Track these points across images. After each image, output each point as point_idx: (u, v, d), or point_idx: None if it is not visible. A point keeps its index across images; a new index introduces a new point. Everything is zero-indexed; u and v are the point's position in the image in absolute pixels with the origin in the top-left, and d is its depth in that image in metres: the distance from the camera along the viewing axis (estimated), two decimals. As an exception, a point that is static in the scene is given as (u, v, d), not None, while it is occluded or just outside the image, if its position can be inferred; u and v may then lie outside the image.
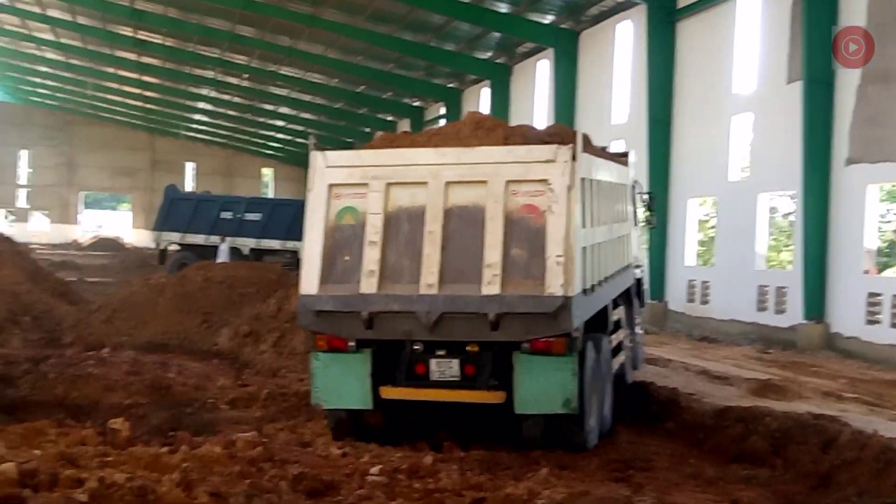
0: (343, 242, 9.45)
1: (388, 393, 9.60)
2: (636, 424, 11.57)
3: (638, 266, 14.54)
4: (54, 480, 6.74)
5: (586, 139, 10.87)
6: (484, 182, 9.24)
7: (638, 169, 26.92)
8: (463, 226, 9.23)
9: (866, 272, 19.59)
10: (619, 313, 12.23)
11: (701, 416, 11.31)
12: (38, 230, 68.39)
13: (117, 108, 66.49)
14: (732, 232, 24.26)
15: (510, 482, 8.23)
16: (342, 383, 9.63)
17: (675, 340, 21.68)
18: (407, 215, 9.37)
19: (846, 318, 19.71)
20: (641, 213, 15.08)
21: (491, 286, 9.02)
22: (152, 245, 34.30)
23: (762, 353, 19.30)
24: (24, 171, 72.06)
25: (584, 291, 9.54)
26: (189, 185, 68.13)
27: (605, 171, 11.12)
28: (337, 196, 9.52)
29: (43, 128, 71.08)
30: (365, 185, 9.46)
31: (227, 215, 31.55)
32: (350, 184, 9.53)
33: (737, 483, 9.00)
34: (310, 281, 9.42)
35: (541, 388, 9.30)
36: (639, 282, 14.51)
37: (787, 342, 20.72)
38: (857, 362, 18.13)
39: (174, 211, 31.96)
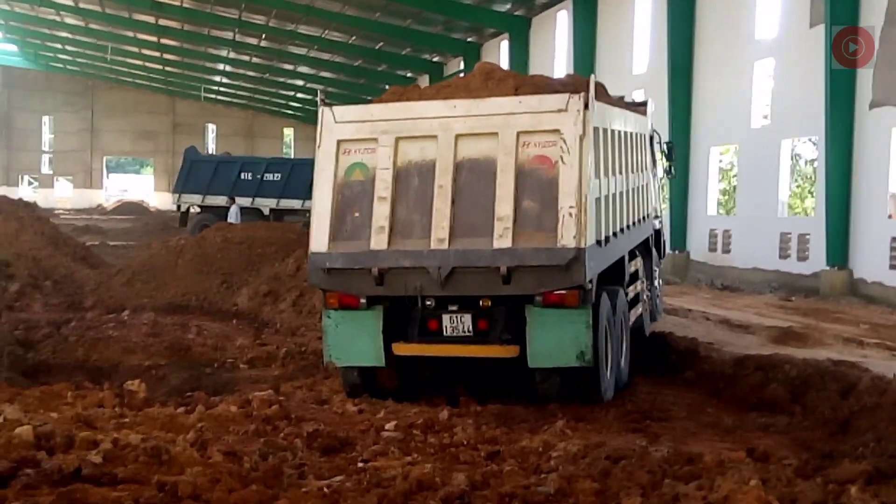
0: (352, 199, 9.37)
1: (401, 349, 9.55)
2: (654, 375, 11.54)
3: (657, 217, 14.34)
4: (70, 442, 6.83)
5: (600, 88, 10.65)
6: (494, 134, 9.09)
7: (658, 118, 26.69)
8: (474, 179, 9.12)
9: (890, 217, 19.33)
10: (636, 265, 12.10)
11: (720, 366, 11.25)
12: (62, 196, 68.92)
13: (137, 72, 66.45)
14: (755, 179, 24.00)
15: (526, 435, 8.26)
16: (354, 341, 9.59)
17: (696, 290, 21.57)
18: (417, 170, 9.25)
19: (869, 263, 19.47)
20: (661, 163, 14.85)
21: (502, 239, 8.91)
22: (174, 208, 34.44)
23: (784, 300, 19.15)
24: (46, 138, 72.40)
25: (598, 243, 9.43)
26: (210, 147, 68.23)
27: (620, 121, 10.89)
28: (346, 152, 9.41)
29: (64, 94, 71.27)
30: (374, 140, 9.33)
31: (246, 176, 31.58)
32: (359, 139, 9.40)
33: (754, 431, 8.97)
34: (319, 238, 9.36)
35: (554, 341, 9.21)
36: (658, 233, 14.32)
37: (809, 289, 20.54)
38: (881, 308, 17.94)
39: (194, 173, 32.02)
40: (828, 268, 20.26)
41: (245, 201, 31.00)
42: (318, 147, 9.51)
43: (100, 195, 69.86)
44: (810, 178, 27.02)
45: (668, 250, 16.28)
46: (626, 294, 11.10)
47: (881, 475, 6.60)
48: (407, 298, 9.37)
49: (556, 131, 8.98)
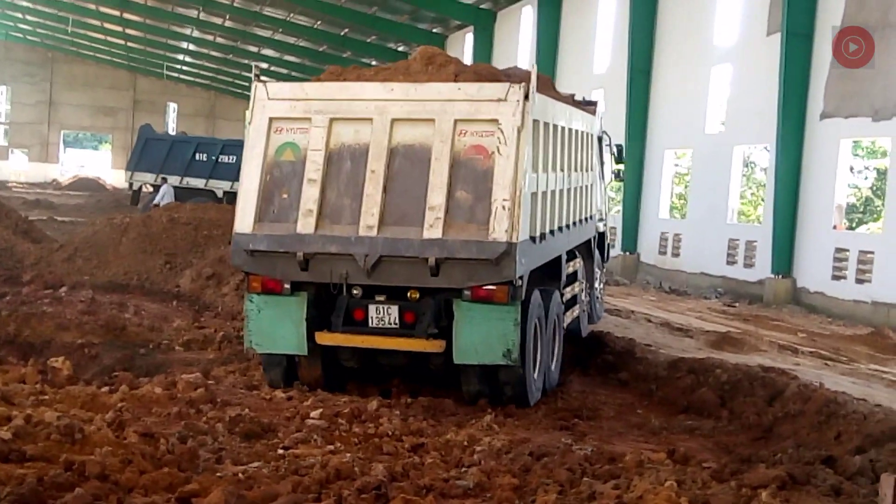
0: (281, 180, 9.04)
1: (324, 339, 9.23)
2: (590, 374, 11.60)
3: (601, 220, 14.16)
4: (-17, 418, 6.69)
5: (546, 81, 10.61)
6: (431, 120, 8.81)
7: (616, 119, 26.87)
8: (408, 166, 8.84)
9: (835, 227, 19.60)
10: (575, 266, 11.91)
11: (654, 367, 11.32)
12: (17, 169, 67.75)
13: (99, 46, 65.51)
14: (707, 185, 24.21)
15: (452, 429, 8.28)
16: (276, 327, 9.26)
17: (643, 292, 21.73)
18: (350, 153, 8.95)
19: (813, 272, 19.75)
20: (609, 165, 14.71)
21: (433, 230, 8.64)
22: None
23: (728, 306, 19.37)
24: (3, 108, 71.16)
25: (532, 239, 9.20)
26: (171, 127, 67.52)
27: (563, 116, 10.64)
28: (277, 130, 9.08)
29: (23, 64, 69.99)
30: (307, 119, 9.02)
31: (202, 157, 31.21)
32: (292, 118, 9.08)
33: (680, 434, 9.06)
34: (244, 219, 9.01)
35: (481, 337, 8.93)
36: (602, 235, 14.15)
37: (754, 296, 20.79)
38: (821, 317, 18.23)
39: (148, 151, 31.62)
40: (772, 276, 20.50)
41: (199, 182, 30.69)
42: (249, 123, 9.18)
43: (56, 170, 68.79)
44: (763, 185, 27.31)
45: (611, 253, 16.06)
46: (562, 295, 10.92)
47: (794, 481, 6.69)
48: (332, 286, 9.05)
49: (495, 121, 8.71)
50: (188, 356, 11.45)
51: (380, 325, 9.20)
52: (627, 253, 26.59)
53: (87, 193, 48.68)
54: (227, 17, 48.92)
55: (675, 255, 25.06)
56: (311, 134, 8.97)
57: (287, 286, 9.14)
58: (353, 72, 9.78)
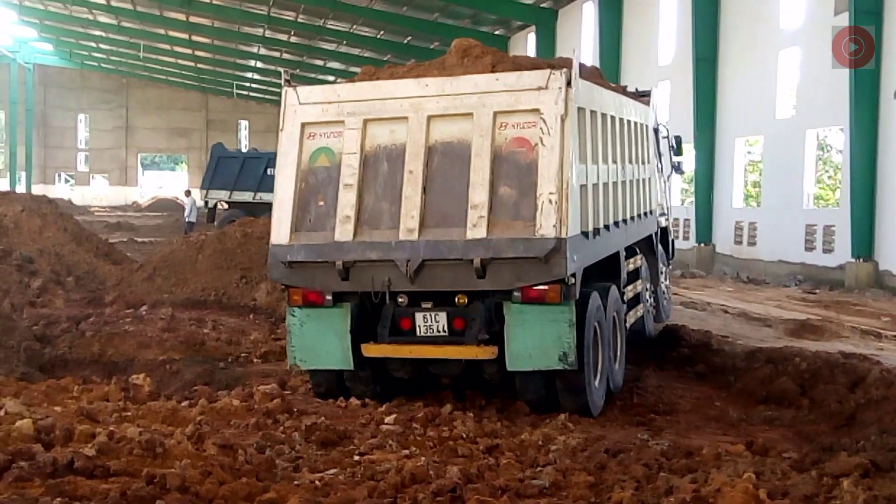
0: (317, 187, 8.61)
1: (371, 351, 8.76)
2: (666, 368, 11.46)
3: (663, 214, 13.55)
4: (69, 436, 6.93)
5: (591, 70, 10.04)
6: (469, 115, 8.29)
7: (684, 109, 26.55)
8: (447, 164, 8.34)
9: (916, 207, 19.10)
10: (635, 262, 11.39)
11: (731, 359, 11.17)
12: (98, 193, 69.75)
13: (170, 69, 67.10)
14: (780, 171, 23.77)
15: (526, 429, 8.27)
16: (320, 341, 8.84)
17: (719, 283, 21.42)
18: (386, 154, 8.49)
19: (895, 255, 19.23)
20: (668, 157, 14.20)
21: (476, 229, 8.11)
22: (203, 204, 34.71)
23: (808, 293, 18.99)
24: (82, 135, 73.31)
25: (585, 234, 8.60)
26: (244, 144, 68.72)
27: (613, 105, 9.95)
28: (311, 136, 8.68)
29: (100, 91, 72.20)
30: (341, 122, 8.60)
31: (273, 172, 31.64)
32: (325, 122, 8.67)
33: (759, 425, 8.92)
34: (280, 230, 8.64)
35: (534, 341, 8.36)
36: (664, 231, 13.55)
37: (835, 282, 20.33)
38: (906, 300, 17.75)
39: (221, 169, 32.21)
40: (853, 260, 20.02)
41: (271, 197, 31.06)
42: (282, 130, 8.78)
43: (135, 192, 70.65)
44: (840, 168, 26.72)
45: (678, 247, 15.40)
46: (623, 294, 10.35)
47: (877, 468, 6.53)
48: (375, 294, 8.54)
49: (536, 111, 8.14)
50: (266, 368, 11.63)
51: (428, 334, 8.69)
52: (702, 244, 26.23)
53: (165, 214, 49.81)
54: (292, 32, 49.63)
55: (752, 243, 24.65)
56: (345, 137, 8.56)
57: (329, 297, 8.75)
58: (386, 70, 9.34)
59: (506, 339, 8.44)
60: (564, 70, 8.19)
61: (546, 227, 7.97)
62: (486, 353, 8.52)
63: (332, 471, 6.77)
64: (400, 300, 8.65)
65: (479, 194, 8.16)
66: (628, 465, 6.97)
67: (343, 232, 8.41)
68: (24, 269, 15.75)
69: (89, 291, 15.63)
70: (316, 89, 8.95)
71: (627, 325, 10.58)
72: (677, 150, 14.68)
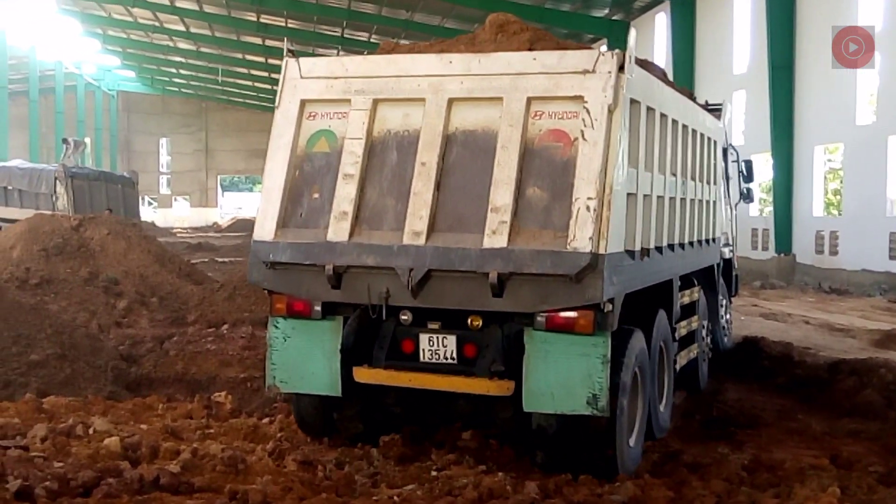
0: (313, 176, 7.24)
1: (363, 376, 7.22)
2: (745, 381, 11.30)
3: (727, 244, 11.96)
4: (155, 453, 7.14)
5: (656, 70, 8.44)
6: (498, 99, 6.85)
7: (760, 117, 26.16)
8: (467, 157, 6.91)
9: None
10: (692, 296, 9.85)
11: (813, 371, 10.98)
12: (180, 215, 71.46)
13: (247, 93, 68.57)
14: (862, 178, 23.30)
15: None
16: (304, 360, 7.37)
17: (800, 294, 21.05)
18: (396, 142, 7.10)
19: None
20: (736, 182, 12.68)
21: (496, 237, 6.62)
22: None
23: (893, 302, 18.50)
24: (164, 159, 75.32)
25: (630, 254, 7.06)
26: (319, 163, 69.73)
27: (676, 107, 8.35)
28: (311, 116, 7.33)
29: (180, 116, 74.25)
30: (346, 101, 7.22)
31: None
32: (328, 100, 7.30)
33: (844, 438, 8.72)
34: (265, 224, 7.20)
35: (558, 378, 6.76)
36: (728, 262, 12.04)
37: (923, 291, 19.82)
38: None
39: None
40: (941, 267, 19.52)
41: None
42: (277, 108, 7.45)
43: (215, 213, 72.21)
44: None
45: (738, 285, 13.04)
46: (675, 330, 8.85)
47: (969, 483, 6.38)
48: (371, 308, 7.04)
49: (579, 98, 6.65)
50: (344, 384, 11.73)
51: (433, 360, 7.17)
52: (782, 254, 25.79)
53: (244, 234, 50.62)
54: (366, 52, 50.07)
55: (833, 253, 24.15)
56: (351, 118, 7.17)
57: (317, 308, 7.24)
58: (406, 47, 8.04)
59: (524, 372, 6.86)
60: (616, 51, 6.69)
61: (581, 239, 6.44)
62: (499, 388, 6.96)
63: (410, 486, 6.82)
64: (403, 318, 7.16)
65: (502, 195, 6.69)
66: (708, 480, 6.92)
67: (337, 230, 7.01)
68: (110, 291, 16.16)
69: (172, 311, 15.92)
70: (321, 61, 7.60)
71: (677, 366, 9.17)
72: (748, 176, 13.19)
